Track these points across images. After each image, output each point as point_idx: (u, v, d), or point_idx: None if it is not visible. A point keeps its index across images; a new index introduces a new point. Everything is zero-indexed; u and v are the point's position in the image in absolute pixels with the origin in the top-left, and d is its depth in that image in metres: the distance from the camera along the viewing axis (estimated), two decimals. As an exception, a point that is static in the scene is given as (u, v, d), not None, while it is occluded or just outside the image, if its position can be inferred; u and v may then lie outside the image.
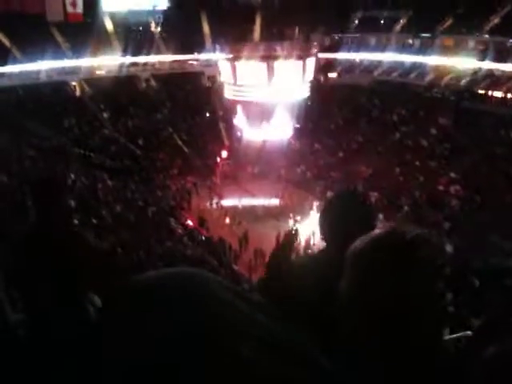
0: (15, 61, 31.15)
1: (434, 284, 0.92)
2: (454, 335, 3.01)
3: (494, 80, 29.65)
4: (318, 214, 2.00)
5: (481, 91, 30.05)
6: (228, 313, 0.60)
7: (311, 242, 20.17)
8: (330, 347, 0.88)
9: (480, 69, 30.11)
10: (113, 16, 35.87)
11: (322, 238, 2.01)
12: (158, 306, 0.58)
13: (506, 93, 28.63)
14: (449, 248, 19.57)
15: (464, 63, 30.61)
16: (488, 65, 29.78)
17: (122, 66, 35.29)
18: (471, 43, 31.74)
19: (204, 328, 0.57)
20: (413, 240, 0.93)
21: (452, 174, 24.92)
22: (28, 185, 2.83)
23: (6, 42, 31.34)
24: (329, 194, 25.41)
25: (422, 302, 0.90)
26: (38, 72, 32.04)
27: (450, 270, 18.25)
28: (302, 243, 20.56)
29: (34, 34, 30.52)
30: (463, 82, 30.68)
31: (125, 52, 35.02)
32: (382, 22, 37.79)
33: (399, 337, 0.89)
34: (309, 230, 20.46)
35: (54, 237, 2.46)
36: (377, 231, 1.00)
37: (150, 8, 37.09)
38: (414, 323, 0.88)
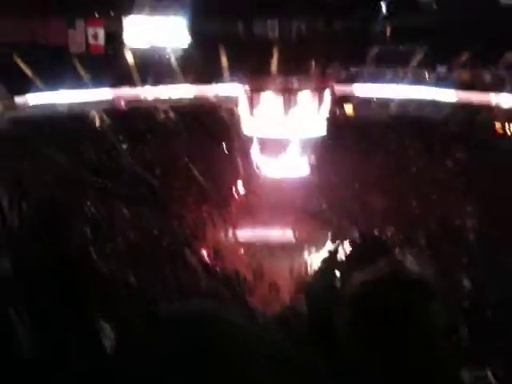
0: (36, 91, 31.85)
1: (433, 318, 0.93)
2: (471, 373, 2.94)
3: (511, 114, 29.61)
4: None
5: (498, 126, 29.98)
6: (237, 332, 0.60)
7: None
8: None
9: (497, 103, 30.10)
10: (134, 49, 36.62)
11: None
12: (167, 324, 0.60)
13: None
14: (466, 283, 19.32)
15: (480, 97, 30.63)
16: (505, 98, 29.77)
17: (141, 97, 35.86)
18: (487, 77, 31.82)
19: (210, 344, 0.57)
20: (413, 280, 0.95)
21: (469, 209, 24.71)
22: (38, 204, 2.85)
23: (29, 72, 32.10)
24: (345, 225, 25.37)
25: (420, 334, 0.91)
26: (58, 102, 32.69)
27: (468, 304, 17.97)
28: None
29: (56, 65, 31.27)
30: (480, 116, 30.65)
31: (144, 84, 35.62)
32: (398, 55, 38.08)
33: (399, 357, 0.90)
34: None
35: (62, 260, 2.45)
36: (379, 267, 1.02)
37: (172, 46, 37.78)
38: (413, 353, 0.90)
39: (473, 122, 30.76)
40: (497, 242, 21.76)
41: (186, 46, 37.94)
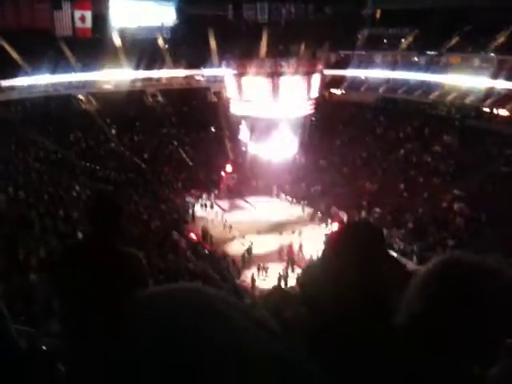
0: (24, 74, 31.46)
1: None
2: None
3: (499, 98, 29.64)
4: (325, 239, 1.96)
5: (486, 109, 30.02)
6: (228, 328, 0.60)
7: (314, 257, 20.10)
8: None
9: (486, 87, 30.10)
10: (121, 32, 36.24)
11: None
12: (160, 319, 0.59)
13: (511, 111, 28.59)
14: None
15: (469, 81, 30.63)
16: (494, 83, 29.78)
17: (129, 80, 35.57)
18: (477, 61, 31.78)
19: (202, 340, 0.57)
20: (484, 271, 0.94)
21: (456, 192, 24.83)
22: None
23: (16, 56, 31.68)
24: (333, 209, 25.44)
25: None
26: (45, 86, 32.32)
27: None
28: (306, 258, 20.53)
29: (43, 49, 30.91)
30: (468, 100, 30.68)
31: (132, 67, 35.31)
32: (387, 39, 38.01)
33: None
34: (312, 244, 20.41)
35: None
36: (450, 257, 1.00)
37: (159, 24, 37.45)
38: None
39: (461, 105, 30.80)
40: (483, 224, 21.94)
41: (175, 29, 37.67)
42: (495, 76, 29.69)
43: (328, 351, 1.01)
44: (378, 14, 38.70)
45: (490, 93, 30.11)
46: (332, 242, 1.80)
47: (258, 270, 20.02)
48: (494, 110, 29.71)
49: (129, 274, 2.33)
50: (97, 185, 25.65)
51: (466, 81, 30.78)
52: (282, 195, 28.71)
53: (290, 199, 28.26)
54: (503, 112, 29.06)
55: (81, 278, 2.31)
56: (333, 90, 37.48)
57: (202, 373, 0.55)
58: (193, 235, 23.99)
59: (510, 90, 29.02)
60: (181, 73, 36.49)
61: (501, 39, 30.64)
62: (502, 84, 29.41)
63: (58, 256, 2.51)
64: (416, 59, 35.35)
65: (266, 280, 19.67)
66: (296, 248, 21.69)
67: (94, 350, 0.84)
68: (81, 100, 34.48)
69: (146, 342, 0.57)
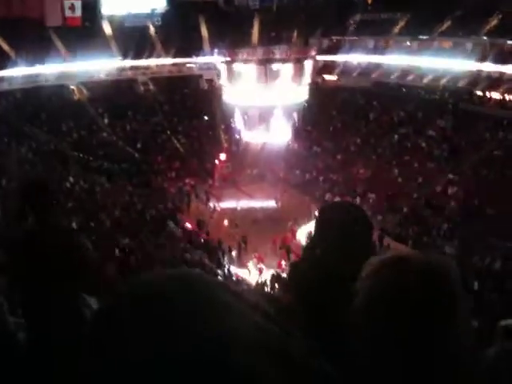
0: (14, 65, 31.15)
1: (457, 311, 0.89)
2: None
3: (491, 82, 29.68)
4: (314, 222, 1.97)
5: (479, 93, 30.06)
6: (227, 316, 0.59)
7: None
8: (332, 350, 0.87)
9: (478, 71, 30.12)
10: (111, 19, 35.87)
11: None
12: (159, 309, 0.58)
13: (503, 95, 28.66)
14: (448, 250, 19.60)
15: (462, 65, 30.61)
16: (486, 66, 29.79)
17: (120, 69, 35.30)
18: (469, 45, 31.75)
19: (205, 331, 0.57)
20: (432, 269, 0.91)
21: (450, 176, 24.94)
22: (21, 187, 2.83)
23: (6, 46, 31.34)
24: (327, 196, 25.48)
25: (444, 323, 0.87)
26: (36, 76, 32.02)
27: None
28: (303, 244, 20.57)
29: (33, 39, 30.58)
30: (461, 83, 30.70)
31: (123, 55, 35.03)
32: (379, 24, 37.84)
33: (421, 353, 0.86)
34: (307, 232, 20.46)
35: (49, 238, 2.46)
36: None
37: (149, 11, 37.11)
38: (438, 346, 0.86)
39: (454, 89, 30.81)
40: (478, 209, 22.06)
41: (165, 16, 37.34)
42: (487, 59, 29.70)
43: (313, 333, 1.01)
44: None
45: (482, 76, 30.15)
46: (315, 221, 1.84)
47: (254, 258, 20.09)
48: (487, 94, 29.76)
49: (72, 255, 2.36)
50: (90, 175, 25.60)
51: (459, 64, 30.75)
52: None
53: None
54: (496, 95, 29.11)
55: (32, 268, 2.33)
56: (326, 76, 37.35)
57: (203, 363, 0.54)
58: (188, 224, 24.00)
59: (501, 73, 29.05)
60: (172, 60, 36.19)
61: (492, 23, 30.57)
62: (493, 67, 29.41)
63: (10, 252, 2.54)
64: (408, 44, 35.27)
65: (261, 268, 19.75)
66: (291, 235, 21.78)
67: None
68: (72, 90, 34.18)
69: (140, 333, 0.56)
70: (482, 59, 29.81)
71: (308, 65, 28.56)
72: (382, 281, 0.93)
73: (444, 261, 0.94)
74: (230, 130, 31.71)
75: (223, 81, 28.67)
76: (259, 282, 18.70)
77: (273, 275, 18.08)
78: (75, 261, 2.36)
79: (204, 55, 36.51)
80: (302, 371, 0.61)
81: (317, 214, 1.98)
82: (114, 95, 33.26)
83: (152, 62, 36.18)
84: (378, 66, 35.23)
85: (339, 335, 1.21)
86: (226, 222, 23.49)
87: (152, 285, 0.63)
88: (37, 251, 2.37)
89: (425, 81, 32.40)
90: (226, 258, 20.80)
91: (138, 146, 31.36)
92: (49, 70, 32.40)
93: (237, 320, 0.60)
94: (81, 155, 28.39)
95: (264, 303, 0.73)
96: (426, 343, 0.86)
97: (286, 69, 27.94)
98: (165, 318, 0.57)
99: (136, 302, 0.60)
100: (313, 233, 1.94)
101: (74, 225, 15.87)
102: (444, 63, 31.40)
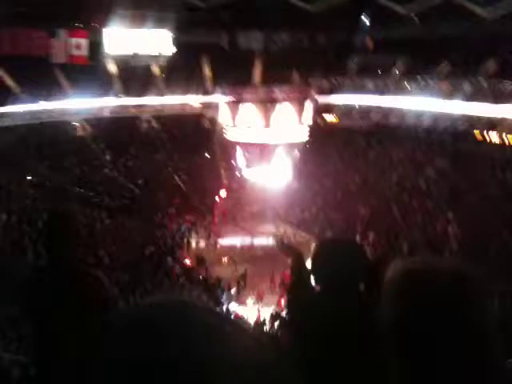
0: (19, 101, 31.60)
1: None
2: None
3: (490, 123, 29.96)
4: (311, 261, 1.99)
5: (477, 134, 30.32)
6: (213, 338, 0.60)
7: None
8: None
9: (476, 111, 30.45)
10: (117, 59, 36.55)
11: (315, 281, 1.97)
12: (148, 333, 0.59)
13: (502, 135, 28.92)
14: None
15: (459, 106, 30.98)
16: (484, 107, 30.12)
17: (123, 107, 35.75)
18: (467, 87, 32.21)
19: (188, 353, 0.57)
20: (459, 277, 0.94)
21: (450, 216, 24.91)
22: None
23: (11, 83, 31.86)
24: (327, 233, 25.42)
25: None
26: (40, 112, 32.43)
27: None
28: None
29: (38, 76, 31.09)
30: (460, 124, 31.00)
31: (126, 93, 35.54)
32: (379, 65, 38.53)
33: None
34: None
35: (69, 272, 2.42)
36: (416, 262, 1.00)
37: (156, 54, 37.83)
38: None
39: (454, 130, 31.09)
40: (479, 249, 21.94)
41: (170, 57, 38.06)
42: (485, 101, 30.08)
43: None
44: (370, 41, 39.33)
45: (480, 117, 30.47)
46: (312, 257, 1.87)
47: (253, 296, 19.92)
48: (486, 134, 30.01)
49: (87, 293, 2.31)
50: (90, 211, 25.62)
51: (457, 106, 31.14)
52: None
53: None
54: (494, 136, 29.36)
55: (44, 302, 2.28)
56: (326, 116, 37.80)
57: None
58: (187, 261, 23.88)
59: (500, 114, 29.35)
60: (175, 99, 36.70)
61: (490, 65, 31.14)
62: (492, 109, 29.74)
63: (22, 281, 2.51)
64: (407, 85, 35.80)
65: (260, 307, 19.55)
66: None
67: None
68: (75, 126, 34.58)
69: (130, 358, 0.57)
70: (481, 100, 30.20)
71: (308, 105, 28.93)
72: (414, 283, 0.95)
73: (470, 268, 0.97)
74: (230, 167, 31.88)
75: (225, 120, 29.00)
76: (259, 321, 18.47)
77: (271, 314, 17.87)
78: (88, 301, 2.30)
79: (207, 94, 37.05)
80: None
81: (313, 251, 2.00)
82: (117, 132, 33.62)
83: (155, 100, 36.69)
84: (377, 107, 35.67)
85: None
86: (225, 259, 23.39)
87: (141, 310, 0.64)
88: (53, 284, 2.34)
89: (424, 122, 32.72)
90: (224, 296, 20.61)
91: (139, 182, 31.51)
92: (52, 106, 32.85)
93: (226, 343, 0.60)
94: (82, 191, 28.50)
95: (252, 329, 0.75)
96: (461, 346, 0.87)
97: (287, 109, 28.30)
98: (153, 341, 0.57)
99: (125, 327, 0.61)
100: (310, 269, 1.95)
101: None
102: (442, 104, 31.80)
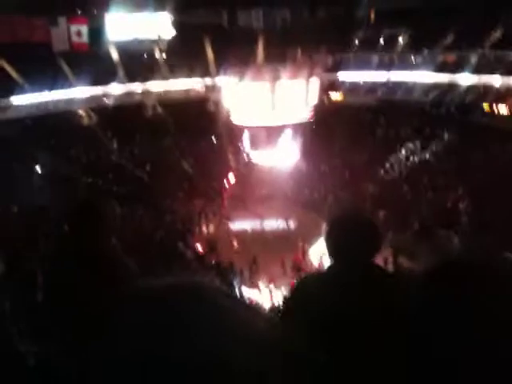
0: (21, 91, 31.53)
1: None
2: None
3: (498, 94, 29.62)
4: (325, 234, 2.01)
5: (486, 106, 29.99)
6: (225, 319, 0.60)
7: (323, 263, 20.07)
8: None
9: (484, 83, 30.10)
10: (118, 45, 36.32)
11: (329, 256, 2.00)
12: (160, 312, 0.59)
13: (510, 107, 28.57)
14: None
15: (466, 78, 30.62)
16: (492, 79, 29.76)
17: (127, 93, 35.64)
18: (473, 58, 31.78)
19: (199, 332, 0.57)
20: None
21: (460, 191, 24.79)
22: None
23: (13, 73, 31.73)
24: (332, 216, 25.32)
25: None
26: (44, 102, 32.38)
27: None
28: (315, 264, 20.55)
29: (40, 64, 30.94)
30: (467, 97, 30.67)
31: (130, 80, 35.39)
32: (383, 40, 38.03)
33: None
34: (319, 251, 20.40)
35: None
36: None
37: (156, 37, 37.55)
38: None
39: (461, 103, 30.77)
40: (489, 223, 21.86)
41: (171, 40, 37.76)
42: (493, 72, 29.69)
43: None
44: (372, 14, 38.73)
45: (488, 89, 30.11)
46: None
47: (264, 279, 20.03)
48: (494, 106, 29.68)
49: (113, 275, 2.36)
50: (99, 199, 25.70)
51: (464, 78, 30.77)
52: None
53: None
54: (503, 108, 29.02)
55: (70, 288, 2.31)
56: (332, 94, 37.48)
57: (205, 366, 0.55)
58: (199, 246, 23.98)
59: (508, 85, 28.99)
60: (179, 84, 36.49)
61: (497, 35, 30.61)
62: (500, 80, 29.37)
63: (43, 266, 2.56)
64: (412, 59, 35.37)
65: (272, 290, 19.66)
66: (301, 255, 21.70)
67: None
68: (81, 115, 34.54)
69: (140, 335, 0.57)
70: (488, 72, 29.81)
71: (313, 83, 28.63)
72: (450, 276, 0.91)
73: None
74: (237, 150, 31.80)
75: (229, 102, 28.80)
76: (271, 303, 18.60)
77: (284, 297, 17.97)
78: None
79: (210, 77, 36.80)
80: (303, 370, 0.62)
81: (327, 226, 2.02)
82: (122, 119, 33.51)
83: (159, 85, 36.51)
84: (383, 82, 35.30)
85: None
86: (236, 243, 23.46)
87: (154, 289, 0.65)
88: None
89: (431, 96, 32.39)
90: (237, 280, 20.72)
91: (147, 168, 31.54)
92: (57, 95, 32.78)
93: (239, 324, 0.60)
94: (90, 179, 28.57)
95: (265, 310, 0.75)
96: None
97: (292, 87, 28.04)
98: (166, 321, 0.57)
99: (138, 304, 0.62)
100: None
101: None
102: (448, 77, 31.43)
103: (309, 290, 1.84)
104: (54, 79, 32.17)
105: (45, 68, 31.81)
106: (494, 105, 29.54)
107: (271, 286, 19.86)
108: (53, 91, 32.38)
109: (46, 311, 2.50)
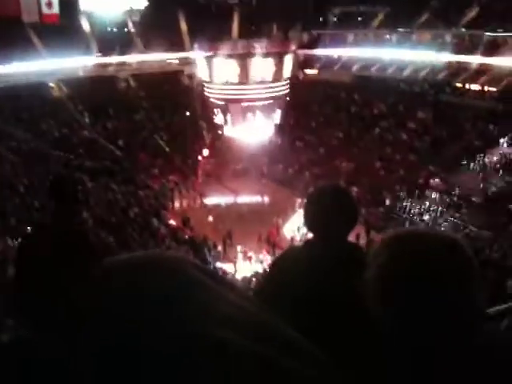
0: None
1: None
2: None
3: (471, 73, 29.94)
4: (303, 207, 2.01)
5: (458, 84, 30.32)
6: (197, 291, 0.60)
7: (296, 238, 20.26)
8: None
9: (457, 62, 30.37)
10: (89, 16, 35.42)
11: (308, 230, 2.00)
12: (132, 286, 0.59)
13: (482, 86, 28.95)
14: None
15: (440, 57, 30.83)
16: (464, 58, 30.05)
17: (99, 66, 34.89)
18: (448, 37, 32.01)
19: (171, 305, 0.57)
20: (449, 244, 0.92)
21: (432, 168, 25.17)
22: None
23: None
24: (311, 189, 25.51)
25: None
26: (14, 74, 31.44)
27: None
28: (288, 239, 20.74)
29: (9, 36, 29.99)
30: (441, 75, 30.93)
31: (102, 52, 34.64)
32: (359, 17, 37.96)
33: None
34: (293, 226, 20.58)
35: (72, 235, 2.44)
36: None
37: (128, 8, 36.73)
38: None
39: (435, 81, 31.02)
40: (460, 200, 22.33)
41: (144, 12, 37.01)
42: (466, 51, 29.97)
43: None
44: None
45: (461, 68, 30.41)
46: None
47: (241, 254, 20.14)
48: (467, 85, 30.01)
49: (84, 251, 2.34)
50: (72, 174, 25.30)
51: (438, 57, 30.97)
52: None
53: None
54: (475, 86, 29.39)
55: (45, 262, 2.30)
56: (307, 71, 37.36)
57: (177, 338, 0.55)
58: (172, 221, 23.90)
59: (481, 64, 29.31)
60: (152, 56, 35.85)
61: (471, 15, 30.83)
62: (473, 59, 29.67)
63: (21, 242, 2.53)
64: (388, 37, 35.44)
65: (246, 264, 19.80)
66: (276, 230, 21.85)
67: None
68: (51, 87, 33.72)
69: (114, 314, 0.57)
70: (462, 51, 30.07)
71: (288, 59, 28.52)
72: (400, 252, 0.93)
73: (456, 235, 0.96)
74: (212, 125, 31.55)
75: (204, 76, 28.51)
76: (245, 277, 18.74)
77: (257, 271, 18.15)
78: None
79: (184, 50, 36.26)
80: (278, 344, 0.61)
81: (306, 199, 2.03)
82: (94, 92, 32.82)
83: (132, 58, 35.82)
84: (358, 59, 35.31)
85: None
86: (210, 218, 23.46)
87: (128, 264, 0.64)
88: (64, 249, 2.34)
89: (405, 73, 32.58)
90: (211, 254, 20.76)
91: (120, 143, 31.07)
92: (26, 67, 31.83)
93: (210, 296, 0.60)
94: (62, 154, 28.02)
95: (239, 284, 0.75)
96: (446, 312, 0.87)
97: (266, 63, 27.89)
98: (136, 297, 0.58)
99: (111, 279, 0.61)
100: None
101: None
102: (423, 55, 31.60)
103: (285, 265, 1.85)
104: (24, 51, 31.20)
105: (15, 40, 30.89)
106: (467, 83, 29.88)
107: (245, 260, 20.01)
108: (22, 63, 31.42)
109: (18, 288, 2.46)
